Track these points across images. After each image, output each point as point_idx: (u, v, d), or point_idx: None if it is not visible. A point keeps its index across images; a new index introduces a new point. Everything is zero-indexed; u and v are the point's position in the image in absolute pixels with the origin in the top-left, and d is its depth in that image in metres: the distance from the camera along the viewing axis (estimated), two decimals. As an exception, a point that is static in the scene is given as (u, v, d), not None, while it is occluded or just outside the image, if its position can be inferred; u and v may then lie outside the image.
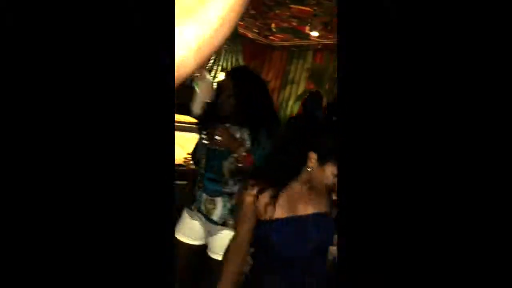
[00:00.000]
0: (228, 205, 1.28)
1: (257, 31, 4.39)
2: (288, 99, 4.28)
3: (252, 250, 1.07)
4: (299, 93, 4.12)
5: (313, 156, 0.98)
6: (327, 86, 3.84)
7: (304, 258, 1.01)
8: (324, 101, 3.27)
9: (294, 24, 3.91)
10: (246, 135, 1.25)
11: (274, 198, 0.99)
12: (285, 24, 4.00)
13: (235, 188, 1.26)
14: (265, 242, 1.01)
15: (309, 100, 3.00)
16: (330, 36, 3.93)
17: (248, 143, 1.23)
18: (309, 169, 0.99)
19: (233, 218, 1.25)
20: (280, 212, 1.00)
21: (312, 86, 4.07)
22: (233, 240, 1.06)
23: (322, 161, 0.97)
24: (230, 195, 1.28)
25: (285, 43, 4.45)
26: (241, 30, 4.32)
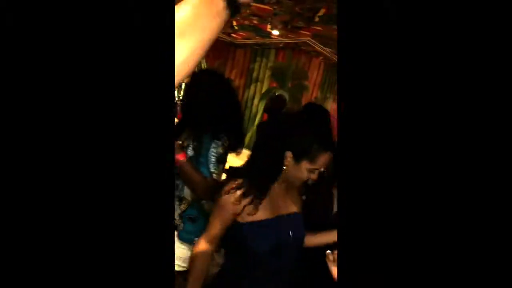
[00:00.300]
0: (178, 210, 1.23)
1: (218, 28, 4.33)
2: (253, 97, 4.33)
3: (223, 250, 1.06)
4: (263, 91, 4.19)
5: (288, 155, 1.00)
6: (289, 84, 3.96)
7: (287, 258, 1.03)
8: (287, 101, 3.36)
9: (255, 22, 3.95)
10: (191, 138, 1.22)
11: (257, 201, 0.99)
12: (246, 22, 4.03)
13: (184, 193, 1.23)
14: (244, 244, 1.00)
15: (271, 105, 3.03)
16: (290, 35, 4.05)
17: (191, 144, 1.20)
18: (284, 167, 1.02)
19: (183, 223, 1.22)
20: (262, 214, 1.00)
21: (275, 85, 4.16)
22: (204, 238, 1.04)
23: (297, 159, 1.00)
24: (180, 199, 1.24)
25: (248, 41, 4.48)
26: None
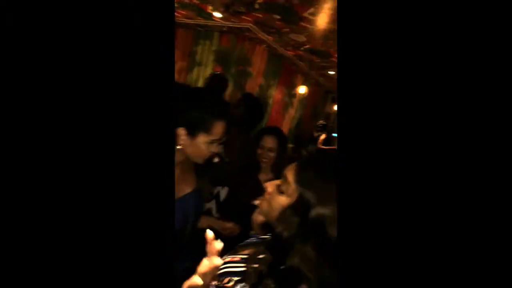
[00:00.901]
0: None
1: (155, 4, 3.95)
2: (196, 81, 4.17)
3: None
4: (207, 75, 4.06)
5: (181, 133, 0.89)
6: (233, 70, 3.93)
7: (186, 237, 1.01)
8: (230, 85, 3.36)
9: (195, 1, 3.72)
10: None
11: None
12: (187, 0, 3.76)
13: None
14: None
15: (210, 84, 3.00)
16: (233, 20, 3.96)
17: None
18: (179, 147, 0.89)
19: None
20: None
21: (219, 69, 4.09)
22: None
23: (192, 134, 0.89)
24: None
25: (189, 21, 4.21)
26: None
